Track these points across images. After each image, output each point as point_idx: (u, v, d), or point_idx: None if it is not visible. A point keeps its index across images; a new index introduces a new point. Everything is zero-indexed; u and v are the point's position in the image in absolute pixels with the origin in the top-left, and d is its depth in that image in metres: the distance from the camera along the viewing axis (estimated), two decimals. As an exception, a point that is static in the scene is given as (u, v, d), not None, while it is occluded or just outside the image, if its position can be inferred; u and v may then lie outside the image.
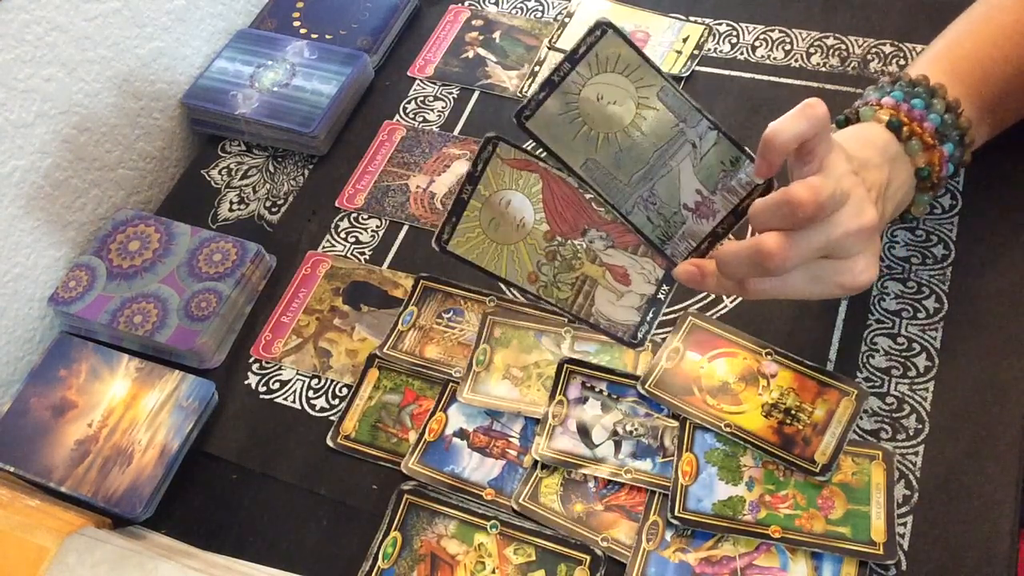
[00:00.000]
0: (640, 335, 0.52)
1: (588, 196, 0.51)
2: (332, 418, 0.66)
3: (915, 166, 0.53)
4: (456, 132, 0.80)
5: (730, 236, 0.51)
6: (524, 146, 0.51)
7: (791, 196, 0.44)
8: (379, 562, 0.58)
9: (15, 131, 0.73)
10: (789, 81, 0.76)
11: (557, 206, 0.51)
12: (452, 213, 0.50)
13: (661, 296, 0.52)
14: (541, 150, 0.49)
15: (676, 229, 0.50)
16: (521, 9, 0.88)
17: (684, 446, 0.58)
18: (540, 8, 0.88)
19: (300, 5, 0.92)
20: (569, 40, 0.83)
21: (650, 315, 0.52)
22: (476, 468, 0.61)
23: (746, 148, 0.50)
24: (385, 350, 0.67)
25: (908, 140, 0.53)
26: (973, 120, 0.54)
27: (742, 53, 0.78)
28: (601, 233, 0.52)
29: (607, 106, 0.48)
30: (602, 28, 0.47)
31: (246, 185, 0.82)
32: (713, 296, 0.65)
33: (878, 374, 0.59)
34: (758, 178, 0.49)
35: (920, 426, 0.57)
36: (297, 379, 0.69)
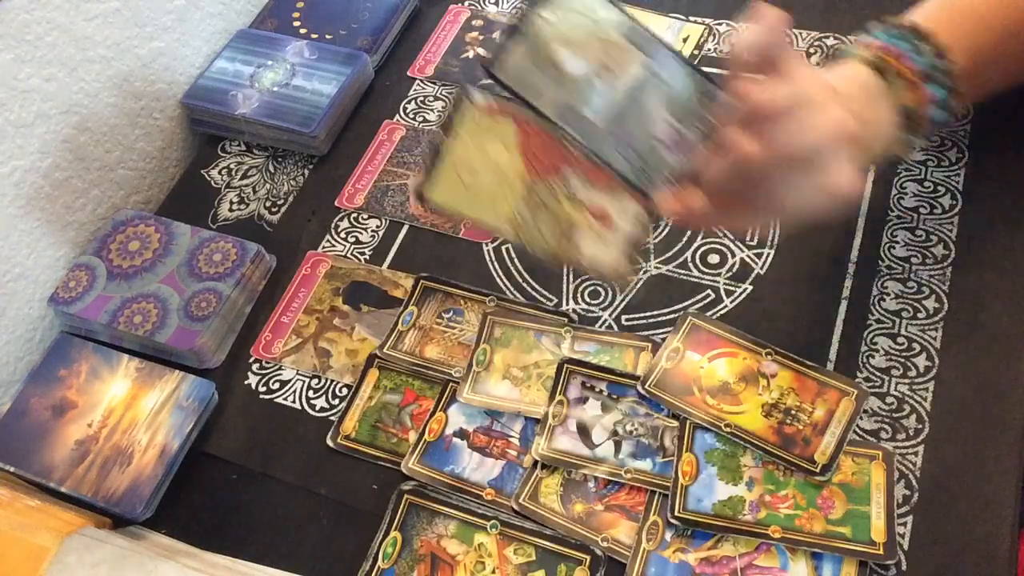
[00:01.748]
0: (632, 276, 0.50)
1: (560, 136, 0.48)
2: (332, 418, 0.66)
3: (899, 104, 0.52)
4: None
5: None
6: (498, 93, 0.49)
7: (739, 89, 0.44)
8: (379, 562, 0.58)
9: (15, 131, 0.73)
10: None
11: (532, 147, 0.50)
12: (428, 163, 0.50)
13: (649, 241, 0.50)
14: (513, 98, 0.48)
15: (655, 168, 0.47)
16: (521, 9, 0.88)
17: (684, 446, 0.58)
18: (540, 8, 0.87)
19: (300, 5, 0.92)
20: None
21: (638, 257, 0.51)
22: (476, 468, 0.61)
23: (715, 80, 0.48)
24: (385, 350, 0.67)
25: (893, 78, 0.52)
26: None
27: (742, 53, 0.78)
28: (577, 172, 0.50)
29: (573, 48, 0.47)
30: None
31: (246, 185, 0.82)
32: (713, 296, 0.65)
33: (878, 374, 0.59)
34: (734, 99, 0.47)
35: (920, 426, 0.57)
36: (297, 379, 0.69)
